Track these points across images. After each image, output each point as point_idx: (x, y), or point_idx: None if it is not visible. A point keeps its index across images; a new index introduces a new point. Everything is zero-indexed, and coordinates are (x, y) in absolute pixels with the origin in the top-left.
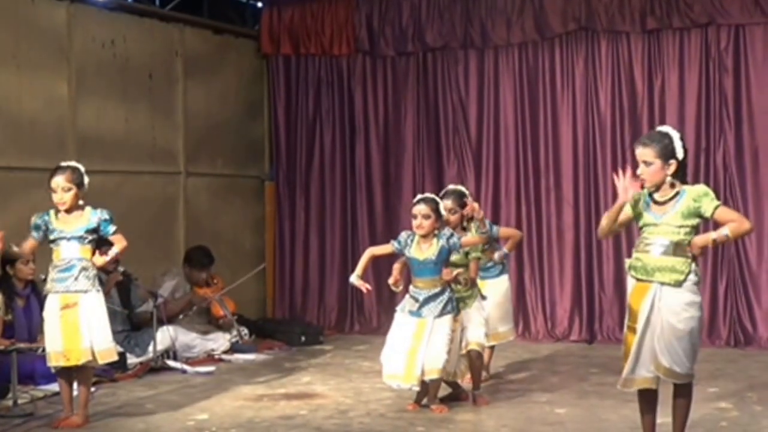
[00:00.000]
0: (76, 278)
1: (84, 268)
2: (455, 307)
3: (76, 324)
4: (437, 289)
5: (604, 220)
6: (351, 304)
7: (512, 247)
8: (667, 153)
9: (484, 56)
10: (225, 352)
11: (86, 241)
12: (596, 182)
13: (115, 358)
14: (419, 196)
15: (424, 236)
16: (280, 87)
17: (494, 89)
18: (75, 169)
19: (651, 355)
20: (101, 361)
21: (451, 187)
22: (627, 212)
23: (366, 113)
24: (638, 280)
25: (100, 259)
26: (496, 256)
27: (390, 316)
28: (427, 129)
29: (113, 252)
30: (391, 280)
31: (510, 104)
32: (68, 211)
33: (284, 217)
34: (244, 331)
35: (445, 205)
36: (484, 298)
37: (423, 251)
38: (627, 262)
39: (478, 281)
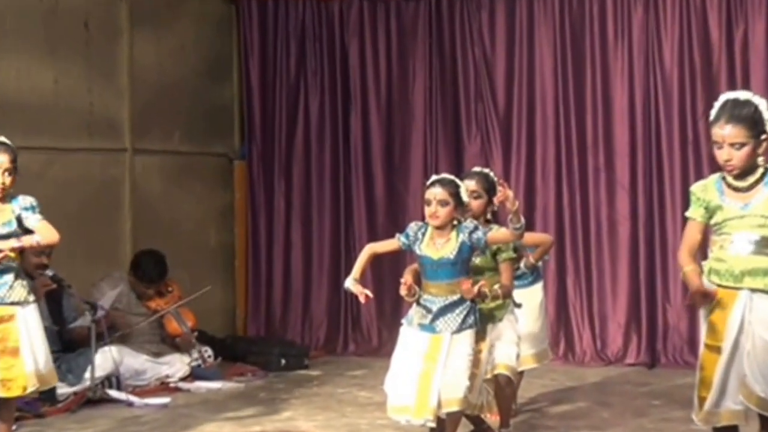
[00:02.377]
0: (10, 287)
1: (19, 275)
2: (479, 319)
3: (16, 343)
4: (455, 297)
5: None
6: (345, 318)
7: (540, 256)
8: (758, 129)
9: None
10: (183, 379)
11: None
12: (659, 161)
13: (56, 382)
14: (434, 177)
15: (440, 228)
16: (254, 40)
17: (528, 42)
18: (10, 146)
19: (740, 381)
20: (42, 387)
21: (475, 169)
22: (699, 222)
23: (364, 74)
24: (722, 287)
25: (5, 244)
26: (522, 264)
27: (395, 333)
28: (441, 94)
29: (29, 240)
30: (402, 290)
31: (548, 61)
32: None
33: (259, 206)
34: (208, 352)
35: (467, 186)
36: (518, 306)
37: (438, 248)
38: (704, 265)
39: None
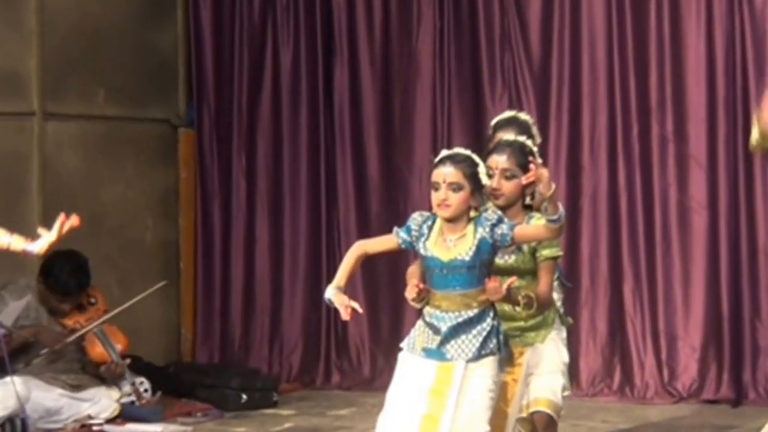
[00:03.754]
0: None
1: None
2: (504, 342)
3: None
4: (473, 312)
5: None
6: (326, 339)
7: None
8: None
9: None
10: (111, 421)
11: None
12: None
13: None
14: (444, 153)
15: (452, 221)
16: None
17: None
18: None
19: None
20: None
21: (508, 116)
22: None
23: (352, 13)
24: None
25: None
26: None
27: (393, 360)
28: (455, 40)
29: None
30: (408, 293)
31: None
32: None
33: (212, 188)
34: (144, 384)
35: (494, 163)
36: (568, 324)
37: (449, 247)
38: None
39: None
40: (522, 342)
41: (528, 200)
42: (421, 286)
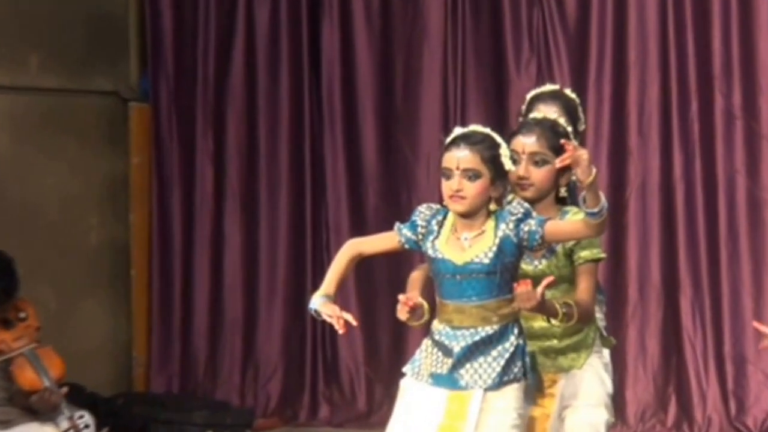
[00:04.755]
0: None
1: None
2: (532, 366)
3: None
4: (492, 328)
5: None
6: (312, 362)
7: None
8: None
9: None
10: None
11: None
12: None
13: None
14: (457, 132)
15: (467, 216)
16: None
17: None
18: None
19: None
20: None
21: (551, 89)
22: None
23: None
24: None
25: None
26: None
27: (393, 388)
28: None
29: None
30: (400, 313)
31: None
32: None
33: (170, 177)
34: (85, 419)
35: (521, 146)
36: (610, 344)
37: (464, 247)
38: None
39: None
40: (555, 368)
41: (562, 191)
42: (413, 301)
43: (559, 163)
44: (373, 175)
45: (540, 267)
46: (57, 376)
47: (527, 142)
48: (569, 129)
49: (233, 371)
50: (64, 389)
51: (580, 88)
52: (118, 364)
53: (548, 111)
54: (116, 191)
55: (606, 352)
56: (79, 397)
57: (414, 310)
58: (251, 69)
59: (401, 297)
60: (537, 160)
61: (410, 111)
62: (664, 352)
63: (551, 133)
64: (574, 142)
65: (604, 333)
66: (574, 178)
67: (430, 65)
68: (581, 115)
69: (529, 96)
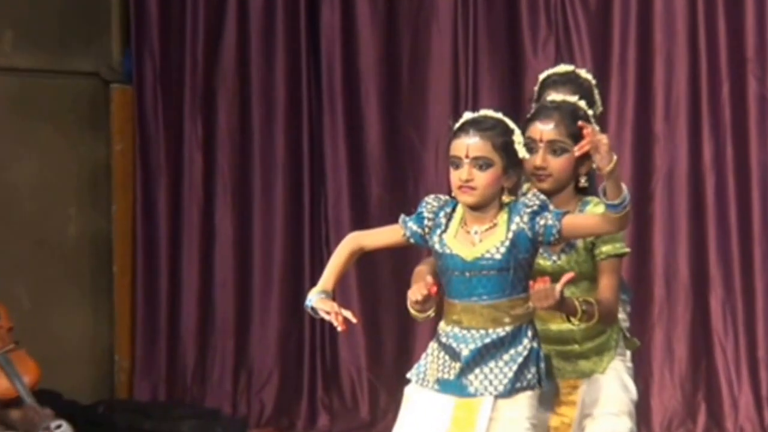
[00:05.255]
0: None
1: None
2: (547, 372)
3: None
4: (504, 330)
5: None
6: (310, 368)
7: None
8: None
9: None
10: None
11: None
12: None
13: None
14: (466, 117)
15: (478, 208)
16: None
17: None
18: None
19: None
20: None
21: (564, 70)
22: None
23: None
24: None
25: None
26: None
27: (398, 395)
28: None
29: None
30: (413, 293)
31: None
32: None
33: (156, 165)
34: (62, 429)
35: (538, 133)
36: (634, 346)
37: (474, 241)
38: None
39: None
40: (576, 373)
41: (582, 182)
42: (435, 287)
43: (577, 150)
44: (376, 163)
45: (559, 263)
46: (31, 382)
47: (545, 129)
48: (590, 112)
49: (224, 377)
50: (48, 411)
51: (602, 69)
52: (99, 368)
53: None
54: (97, 180)
55: (629, 356)
56: (56, 406)
57: (429, 296)
58: (244, 48)
59: (423, 281)
60: (555, 149)
61: (417, 94)
62: (692, 356)
63: (571, 120)
64: (594, 126)
65: (627, 334)
66: (595, 166)
67: (439, 44)
68: (597, 97)
69: (540, 78)
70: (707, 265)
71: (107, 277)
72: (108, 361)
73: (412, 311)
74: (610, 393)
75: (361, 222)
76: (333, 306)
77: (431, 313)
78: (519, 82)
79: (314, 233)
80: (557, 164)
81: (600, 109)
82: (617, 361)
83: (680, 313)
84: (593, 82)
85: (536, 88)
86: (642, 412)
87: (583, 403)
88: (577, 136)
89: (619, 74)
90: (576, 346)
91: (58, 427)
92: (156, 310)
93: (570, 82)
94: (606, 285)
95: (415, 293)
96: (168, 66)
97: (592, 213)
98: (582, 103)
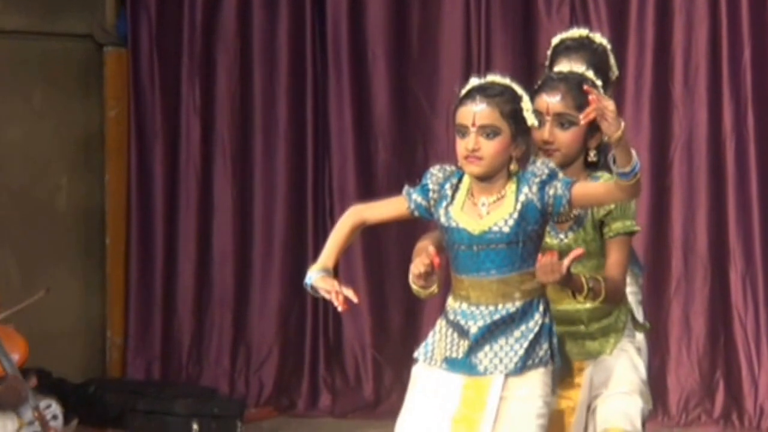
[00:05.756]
0: None
1: None
2: (559, 349)
3: None
4: (514, 305)
5: None
6: (312, 345)
7: None
8: None
9: None
10: None
11: None
12: None
13: None
14: (473, 83)
15: (485, 178)
16: None
17: None
18: None
19: None
20: None
21: (577, 34)
22: None
23: None
24: None
25: None
26: None
27: (405, 374)
28: None
29: None
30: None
31: None
32: None
33: (152, 131)
34: (52, 409)
35: (544, 105)
36: (645, 328)
37: (481, 213)
38: None
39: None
40: (582, 354)
41: (592, 155)
42: (438, 259)
43: (583, 118)
44: (384, 129)
45: (566, 241)
46: (20, 360)
47: (551, 101)
48: (599, 83)
49: (222, 354)
50: (33, 380)
51: (618, 31)
52: (90, 345)
53: (573, 62)
54: (89, 147)
55: (640, 336)
56: (45, 384)
57: (432, 269)
58: (245, 8)
59: (415, 263)
60: (563, 122)
61: (427, 57)
62: (710, 333)
63: (578, 91)
64: (600, 92)
65: (641, 309)
66: (605, 138)
67: (451, 5)
68: (613, 62)
69: (553, 42)
70: (727, 236)
71: (100, 249)
72: (100, 338)
73: (414, 287)
74: (619, 373)
75: (368, 191)
76: (334, 285)
77: (434, 289)
78: (532, 45)
79: (318, 202)
80: (565, 138)
81: (616, 74)
82: (625, 341)
83: (698, 288)
84: (608, 47)
85: (549, 53)
86: (658, 391)
87: (591, 385)
88: (584, 108)
89: (636, 37)
90: (582, 327)
91: (48, 407)
92: (150, 284)
93: (583, 47)
94: (614, 262)
95: (418, 266)
96: (165, 27)
97: (602, 182)
98: (590, 73)
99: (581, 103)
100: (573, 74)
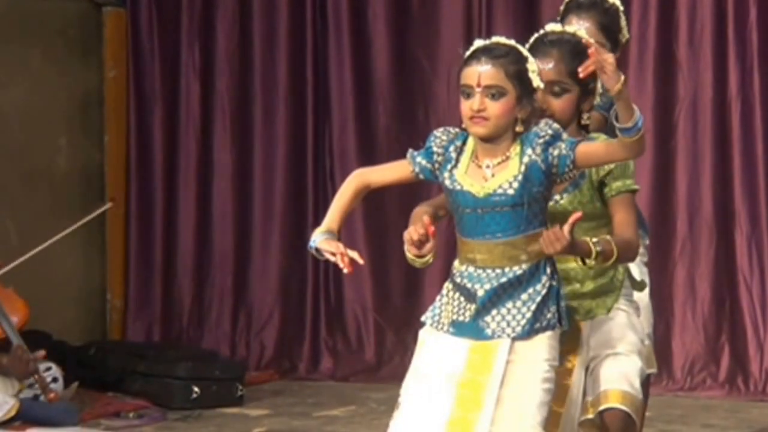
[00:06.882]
0: None
1: None
2: (566, 312)
3: None
4: (521, 268)
5: None
6: (313, 308)
7: None
8: None
9: None
10: (5, 424)
11: None
12: None
13: None
14: (478, 44)
15: (490, 140)
16: None
17: None
18: None
19: None
20: None
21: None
22: None
23: None
24: None
25: None
26: None
27: (408, 337)
28: None
29: None
30: (409, 234)
31: None
32: None
33: (151, 93)
34: (52, 372)
35: (550, 70)
36: (642, 287)
37: (486, 176)
38: None
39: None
40: (578, 314)
41: (584, 118)
42: (432, 228)
43: (582, 71)
44: (384, 91)
45: (561, 202)
46: (20, 323)
47: (543, 68)
48: (607, 44)
49: (222, 316)
50: (42, 352)
51: None
52: (91, 308)
53: (583, 21)
54: (88, 109)
55: (644, 294)
56: (45, 347)
57: (426, 238)
58: None
59: (409, 231)
60: (555, 90)
61: (428, 17)
62: (716, 296)
63: (571, 57)
64: (594, 42)
65: (646, 271)
66: (598, 99)
67: None
68: (623, 23)
69: (565, 2)
70: (732, 199)
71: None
72: (100, 300)
73: (408, 256)
74: (617, 333)
75: (368, 154)
76: (338, 247)
77: (429, 258)
78: (534, 6)
79: (318, 165)
80: (558, 106)
81: (627, 36)
82: (623, 301)
83: (703, 250)
84: (620, 7)
85: (561, 8)
86: (662, 355)
87: (588, 345)
88: (578, 74)
89: None
90: (577, 285)
91: (48, 369)
92: (150, 246)
93: (594, 6)
94: (622, 221)
95: (411, 233)
96: None
97: (599, 142)
98: (582, 32)
99: (574, 69)
100: (566, 37)
